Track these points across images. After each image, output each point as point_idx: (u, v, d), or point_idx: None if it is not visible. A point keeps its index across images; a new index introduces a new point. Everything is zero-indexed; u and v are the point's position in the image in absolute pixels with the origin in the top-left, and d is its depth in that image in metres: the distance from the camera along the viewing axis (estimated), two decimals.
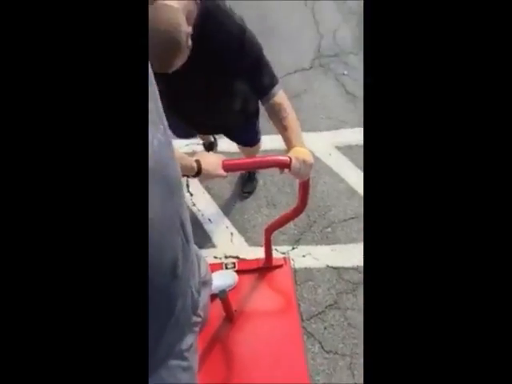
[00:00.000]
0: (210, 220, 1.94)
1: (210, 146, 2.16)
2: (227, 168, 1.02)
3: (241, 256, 1.79)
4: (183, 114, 1.34)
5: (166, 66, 0.96)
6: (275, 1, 3.22)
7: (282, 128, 1.09)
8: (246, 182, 2.06)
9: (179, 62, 0.97)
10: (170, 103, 1.17)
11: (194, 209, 1.98)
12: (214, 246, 1.85)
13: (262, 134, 1.67)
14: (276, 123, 1.10)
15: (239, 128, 1.55)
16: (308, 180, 1.06)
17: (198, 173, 0.99)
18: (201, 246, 1.82)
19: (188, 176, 1.01)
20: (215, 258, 1.79)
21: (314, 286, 1.71)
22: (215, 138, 2.17)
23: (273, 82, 1.11)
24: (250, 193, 2.04)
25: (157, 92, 0.57)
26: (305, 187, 1.09)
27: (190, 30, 0.96)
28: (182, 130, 1.59)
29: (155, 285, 0.49)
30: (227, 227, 1.91)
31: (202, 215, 1.96)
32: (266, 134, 1.72)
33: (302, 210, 1.19)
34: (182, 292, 0.66)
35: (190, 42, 0.97)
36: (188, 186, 2.06)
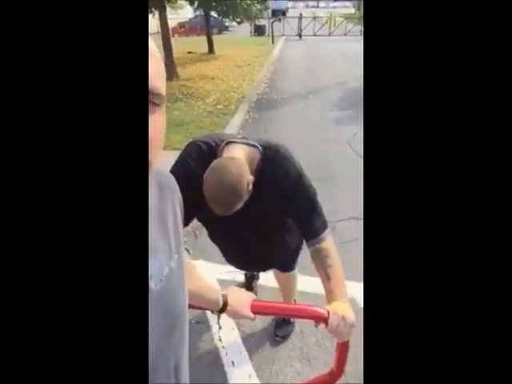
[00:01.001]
0: (233, 363, 1.71)
1: (251, 276, 2.07)
2: (256, 310, 0.91)
3: None
4: (235, 241, 1.35)
5: (227, 211, 1.04)
6: (334, 150, 3.43)
7: (325, 276, 1.04)
8: (281, 325, 1.86)
9: (239, 205, 1.04)
10: (224, 231, 1.18)
11: (219, 345, 1.79)
12: None
13: (306, 274, 1.57)
14: (319, 269, 1.06)
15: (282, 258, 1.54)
16: (347, 342, 0.90)
17: (222, 309, 0.90)
18: None
19: (212, 311, 0.91)
20: None
21: None
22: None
23: (322, 226, 1.11)
24: (284, 338, 1.82)
25: (179, 227, 0.59)
26: (342, 349, 0.91)
27: (251, 178, 1.04)
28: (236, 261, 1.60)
29: None
30: (250, 376, 1.66)
31: (226, 354, 1.75)
32: (308, 274, 1.60)
33: (337, 377, 0.98)
34: None
35: (250, 187, 1.04)
36: (219, 316, 1.90)
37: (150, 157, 0.41)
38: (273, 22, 15.23)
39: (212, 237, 1.45)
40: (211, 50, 11.55)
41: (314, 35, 16.08)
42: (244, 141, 1.13)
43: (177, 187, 0.62)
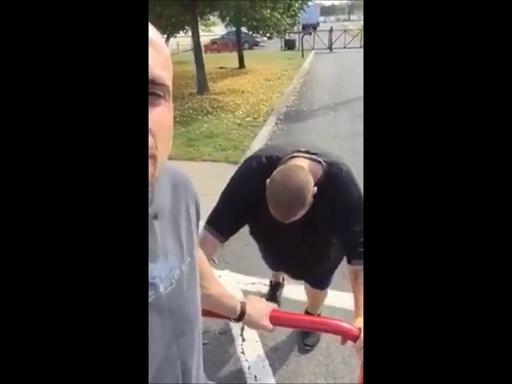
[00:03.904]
0: (255, 377, 1.66)
1: (275, 287, 2.02)
2: (275, 321, 0.87)
3: None
4: (279, 245, 1.35)
5: (288, 218, 1.04)
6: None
7: (359, 292, 1.02)
8: (308, 334, 1.81)
9: (300, 214, 1.04)
10: (273, 238, 1.21)
11: (242, 358, 1.74)
12: None
13: (335, 289, 1.53)
14: (355, 286, 1.06)
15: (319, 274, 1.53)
16: None
17: (239, 317, 0.87)
18: None
19: (229, 319, 0.89)
20: None
21: None
22: (283, 279, 2.03)
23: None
24: (313, 346, 1.78)
25: (192, 228, 0.57)
26: None
27: (315, 189, 1.04)
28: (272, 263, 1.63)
29: None
30: None
31: (249, 368, 1.70)
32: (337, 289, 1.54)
33: None
34: None
35: (312, 199, 1.04)
36: (243, 328, 1.87)
37: (157, 152, 0.39)
38: (303, 36, 15.30)
39: (256, 238, 1.44)
40: (242, 64, 11.75)
41: (345, 47, 16.01)
42: (308, 155, 1.12)
43: (192, 187, 0.60)
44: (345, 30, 17.51)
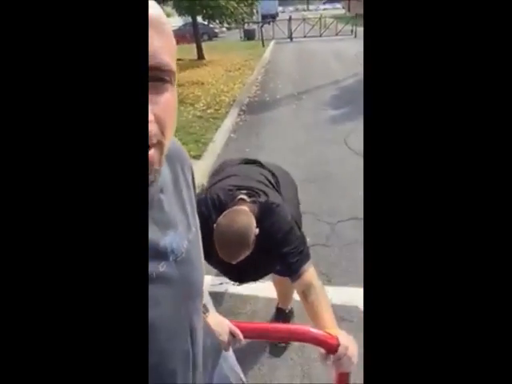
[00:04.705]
0: None
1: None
2: (247, 333, 0.76)
3: None
4: (231, 270, 1.40)
5: (235, 259, 1.12)
6: (331, 149, 3.29)
7: (312, 310, 1.08)
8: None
9: (245, 255, 1.13)
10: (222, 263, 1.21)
11: None
12: None
13: None
14: (309, 308, 1.10)
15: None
16: (347, 375, 0.73)
17: None
18: None
19: None
20: None
21: None
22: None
23: (301, 262, 1.17)
24: (285, 348, 1.69)
25: (193, 197, 0.60)
26: (342, 381, 0.75)
27: (257, 230, 1.14)
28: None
29: None
30: None
31: None
32: None
33: None
34: None
35: (254, 239, 1.12)
36: None
37: (163, 139, 0.40)
38: (262, 26, 15.17)
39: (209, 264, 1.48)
40: (201, 55, 11.45)
41: (305, 37, 16.01)
42: (249, 199, 1.25)
43: (186, 157, 0.60)
44: (304, 19, 17.51)
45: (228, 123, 5.02)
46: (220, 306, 1.92)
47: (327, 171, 3.34)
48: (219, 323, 0.81)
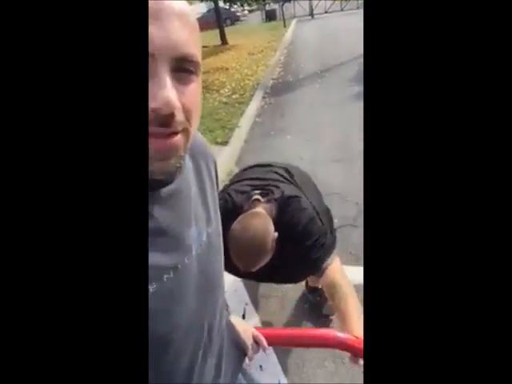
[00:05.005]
0: (260, 367, 1.59)
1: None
2: (271, 340, 0.77)
3: None
4: (253, 276, 1.34)
5: (251, 268, 1.03)
6: (356, 127, 3.20)
7: (338, 311, 1.03)
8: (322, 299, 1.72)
9: (265, 262, 1.03)
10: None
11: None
12: None
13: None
14: (333, 305, 1.07)
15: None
16: None
17: None
18: None
19: None
20: None
21: None
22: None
23: (323, 257, 1.12)
24: (328, 315, 1.69)
25: (215, 192, 0.59)
26: None
27: (275, 234, 1.04)
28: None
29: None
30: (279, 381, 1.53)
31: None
32: None
33: None
34: None
35: (274, 245, 1.04)
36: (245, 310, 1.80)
37: (189, 127, 0.41)
38: (282, 5, 14.81)
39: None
40: (224, 41, 11.39)
41: (326, 12, 15.52)
42: (263, 199, 1.18)
43: (210, 152, 0.61)
44: None
45: (253, 107, 5.00)
46: (253, 291, 1.96)
47: (353, 150, 3.27)
48: (244, 331, 0.79)
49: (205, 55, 9.75)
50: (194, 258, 0.50)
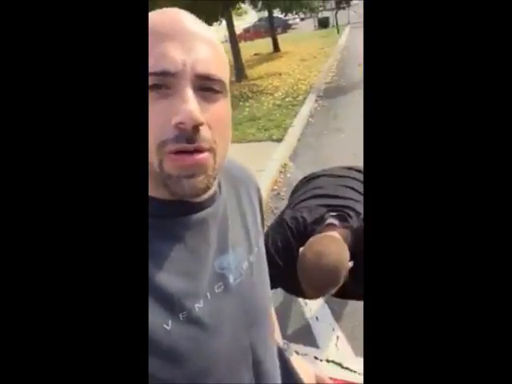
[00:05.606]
0: (317, 318, 1.84)
1: None
2: None
3: (344, 364, 1.60)
4: None
5: (319, 296, 0.99)
6: None
7: None
8: None
9: (334, 291, 0.96)
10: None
11: (302, 303, 1.92)
12: (317, 346, 1.71)
13: None
14: None
15: None
16: None
17: None
18: (304, 344, 1.71)
19: None
20: (315, 358, 1.64)
21: None
22: None
23: None
24: None
25: (258, 220, 0.58)
26: None
27: (351, 264, 0.95)
28: None
29: None
30: (334, 329, 1.77)
31: (310, 310, 1.88)
32: None
33: None
34: None
35: (347, 274, 0.95)
36: None
37: (216, 146, 0.41)
38: (336, 12, 14.94)
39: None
40: (276, 48, 11.76)
41: None
42: (338, 223, 1.06)
43: (253, 179, 0.61)
44: None
45: (306, 109, 5.26)
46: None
47: None
48: (307, 376, 0.72)
49: (257, 62, 10.20)
50: (233, 287, 0.48)
